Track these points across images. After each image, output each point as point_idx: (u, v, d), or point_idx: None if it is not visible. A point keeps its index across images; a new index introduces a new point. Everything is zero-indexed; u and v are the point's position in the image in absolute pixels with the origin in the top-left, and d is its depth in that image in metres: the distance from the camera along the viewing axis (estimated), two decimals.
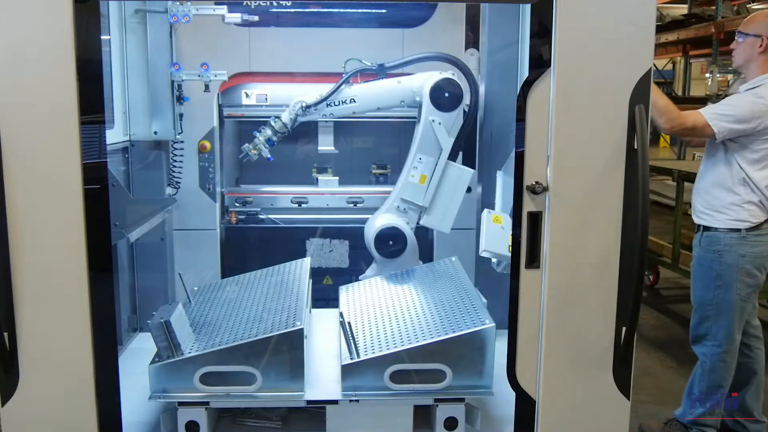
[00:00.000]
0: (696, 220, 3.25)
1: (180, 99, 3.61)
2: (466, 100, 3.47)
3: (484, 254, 3.07)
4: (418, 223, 3.56)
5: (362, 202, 4.16)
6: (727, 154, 3.11)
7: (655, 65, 2.78)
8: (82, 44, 2.21)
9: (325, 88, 3.46)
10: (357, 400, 2.73)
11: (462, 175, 3.50)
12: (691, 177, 5.15)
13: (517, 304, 2.47)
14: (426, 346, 2.70)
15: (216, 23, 3.58)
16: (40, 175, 2.25)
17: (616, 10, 2.30)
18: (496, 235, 3.08)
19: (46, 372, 2.36)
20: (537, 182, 2.37)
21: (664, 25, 9.53)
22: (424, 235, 3.91)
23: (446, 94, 3.39)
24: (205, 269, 3.90)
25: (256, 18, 3.49)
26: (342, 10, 3.85)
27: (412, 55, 3.50)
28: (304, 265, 3.59)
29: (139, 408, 2.79)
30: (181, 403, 2.71)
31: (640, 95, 2.32)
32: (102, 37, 2.36)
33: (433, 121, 3.40)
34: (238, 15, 3.44)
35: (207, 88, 3.61)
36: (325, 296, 3.97)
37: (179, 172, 3.82)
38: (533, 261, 2.42)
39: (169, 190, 3.80)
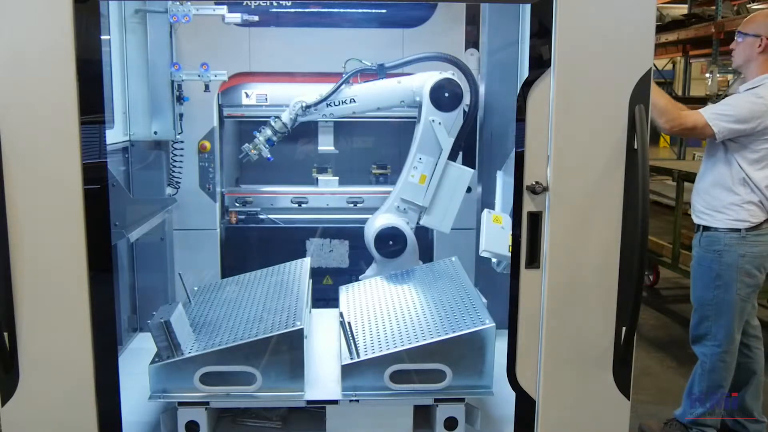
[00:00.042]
0: (696, 220, 3.25)
1: (180, 99, 3.61)
2: (466, 100, 3.47)
3: (484, 254, 3.07)
4: (418, 223, 3.56)
5: (362, 202, 4.16)
6: (727, 154, 3.11)
7: (655, 65, 2.78)
8: (82, 44, 2.21)
9: (325, 88, 3.46)
10: (357, 400, 2.73)
11: (462, 175, 3.50)
12: (691, 177, 5.15)
13: (517, 304, 2.47)
14: (426, 346, 2.70)
15: (216, 23, 3.58)
16: (40, 175, 2.25)
17: (616, 10, 2.30)
18: (496, 235, 3.08)
19: (46, 372, 2.36)
20: (537, 182, 2.37)
21: (664, 25, 9.53)
22: (424, 235, 3.91)
23: (446, 94, 3.39)
24: (205, 269, 3.90)
25: (256, 18, 3.49)
26: (342, 10, 3.85)
27: (412, 55, 3.50)
28: (304, 265, 3.59)
29: (139, 408, 2.79)
30: (181, 403, 2.71)
31: (640, 95, 2.32)
32: (102, 37, 2.36)
33: (433, 121, 3.40)
34: (238, 15, 3.44)
35: (207, 88, 3.61)
36: (325, 296, 3.97)
37: (179, 172, 3.82)
38: (533, 261, 2.42)
39: (169, 190, 3.80)
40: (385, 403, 2.76)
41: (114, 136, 3.42)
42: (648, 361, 4.57)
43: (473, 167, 3.73)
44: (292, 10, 3.86)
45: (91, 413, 2.40)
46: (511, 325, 2.49)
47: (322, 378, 2.89)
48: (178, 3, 3.40)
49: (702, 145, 3.40)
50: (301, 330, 2.71)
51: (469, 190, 3.65)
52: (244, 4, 3.60)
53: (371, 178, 4.35)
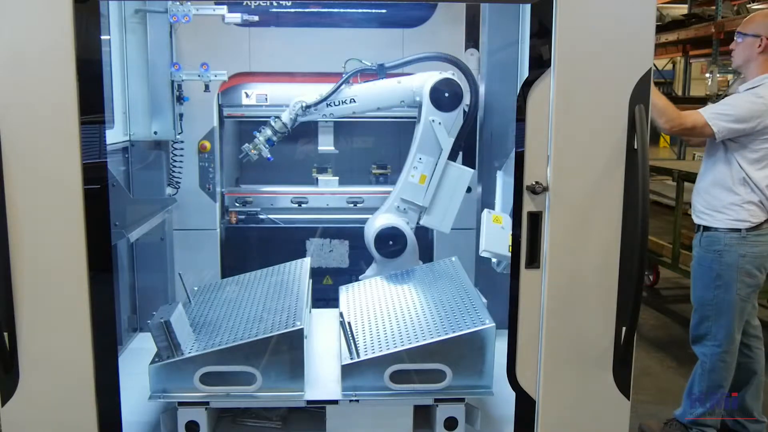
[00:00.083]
0: (696, 220, 3.25)
1: (180, 99, 3.61)
2: (466, 100, 3.47)
3: (484, 254, 3.08)
4: (418, 223, 3.56)
5: (362, 202, 4.16)
6: (727, 153, 3.11)
7: (655, 65, 2.78)
8: (82, 44, 2.21)
9: (325, 88, 3.46)
10: (357, 400, 2.73)
11: (462, 175, 3.50)
12: (691, 177, 5.15)
13: (517, 304, 2.47)
14: (426, 346, 2.70)
15: (216, 23, 3.58)
16: (40, 175, 2.25)
17: (616, 10, 2.30)
18: (496, 235, 3.08)
19: (46, 372, 2.36)
20: (537, 182, 2.37)
21: (664, 25, 9.53)
22: (424, 235, 3.91)
23: (446, 94, 3.39)
24: (205, 269, 3.90)
25: (256, 18, 3.49)
26: (342, 10, 3.85)
27: (412, 55, 3.50)
28: (304, 265, 3.59)
29: (139, 408, 2.79)
30: (181, 403, 2.71)
31: (640, 95, 2.32)
32: (102, 37, 2.36)
33: (433, 121, 3.40)
34: (238, 15, 3.44)
35: (207, 88, 3.61)
36: (325, 296, 3.97)
37: (179, 172, 3.82)
38: (533, 261, 2.42)
39: (169, 190, 3.80)
40: (385, 403, 2.76)
41: (114, 136, 3.42)
42: (648, 361, 4.57)
43: (473, 167, 3.73)
44: (292, 10, 3.86)
45: (91, 413, 2.40)
46: (511, 325, 2.49)
47: (322, 378, 2.89)
48: (178, 3, 3.40)
49: (702, 146, 3.39)
50: (301, 330, 2.71)
51: (469, 190, 3.65)
52: (244, 4, 3.60)
53: (371, 178, 4.35)
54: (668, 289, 6.31)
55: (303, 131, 4.04)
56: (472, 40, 3.85)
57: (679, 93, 11.73)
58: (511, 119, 2.78)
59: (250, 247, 4.13)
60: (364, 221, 3.74)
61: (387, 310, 3.09)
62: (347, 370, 2.71)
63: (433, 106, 3.39)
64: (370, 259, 3.70)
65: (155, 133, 3.60)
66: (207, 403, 2.71)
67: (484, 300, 3.06)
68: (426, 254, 3.95)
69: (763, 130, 3.01)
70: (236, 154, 4.03)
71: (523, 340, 2.48)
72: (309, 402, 2.75)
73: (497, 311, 2.83)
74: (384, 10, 3.87)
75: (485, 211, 3.25)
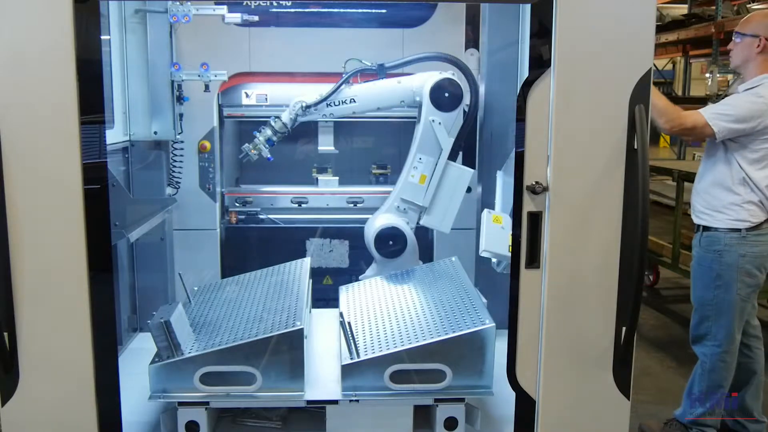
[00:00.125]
0: (696, 220, 3.25)
1: (180, 99, 3.61)
2: (466, 100, 3.47)
3: (484, 254, 3.07)
4: (418, 223, 3.56)
5: (362, 202, 4.16)
6: (727, 153, 3.11)
7: (655, 65, 2.78)
8: (82, 44, 2.21)
9: (325, 88, 3.46)
10: (357, 400, 2.73)
11: (462, 175, 3.50)
12: (691, 177, 5.14)
13: (517, 304, 2.47)
14: (426, 346, 2.70)
15: (216, 23, 3.58)
16: (40, 175, 2.25)
17: (616, 10, 2.30)
18: (496, 235, 3.08)
19: (46, 372, 2.36)
20: (537, 182, 2.37)
21: (664, 25, 9.53)
22: (424, 235, 3.91)
23: (446, 94, 3.39)
24: (205, 269, 3.90)
25: (256, 18, 3.49)
26: (342, 10, 3.85)
27: (412, 55, 3.50)
28: (304, 265, 3.59)
29: (139, 408, 2.79)
30: (181, 403, 2.71)
31: (640, 95, 2.32)
32: (102, 37, 2.36)
33: (433, 121, 3.40)
34: (238, 15, 3.44)
35: (207, 88, 3.61)
36: (325, 296, 3.97)
37: (179, 172, 3.82)
38: (533, 261, 2.42)
39: (169, 190, 3.80)
40: (385, 403, 2.76)
41: (114, 136, 3.42)
42: (648, 361, 4.57)
43: (473, 167, 3.73)
44: (292, 10, 3.86)
45: (91, 413, 2.40)
46: (511, 325, 2.49)
47: (322, 378, 2.89)
48: (178, 3, 3.40)
49: (702, 146, 3.38)
50: (301, 330, 2.71)
51: (469, 190, 3.65)
52: (244, 4, 3.60)
53: (371, 178, 4.35)
54: (668, 289, 6.31)
55: (303, 131, 4.04)
56: (471, 40, 3.85)
57: (679, 93, 11.73)
58: (511, 119, 2.77)
59: (250, 247, 4.13)
60: (364, 221, 3.74)
61: (387, 310, 3.09)
62: (347, 370, 2.71)
63: (433, 106, 3.39)
64: (370, 259, 3.70)
65: (155, 133, 3.60)
66: (207, 403, 2.71)
67: (484, 300, 3.06)
68: (426, 254, 3.95)
69: (763, 130, 3.01)
70: (236, 154, 4.03)
71: (523, 340, 2.48)
72: (309, 402, 2.75)
73: (497, 311, 2.83)
74: (384, 10, 3.87)
75: (485, 211, 3.25)
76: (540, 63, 2.33)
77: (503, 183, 3.48)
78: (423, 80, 3.43)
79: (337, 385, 2.77)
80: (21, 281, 2.29)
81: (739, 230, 3.09)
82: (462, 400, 2.76)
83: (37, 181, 2.25)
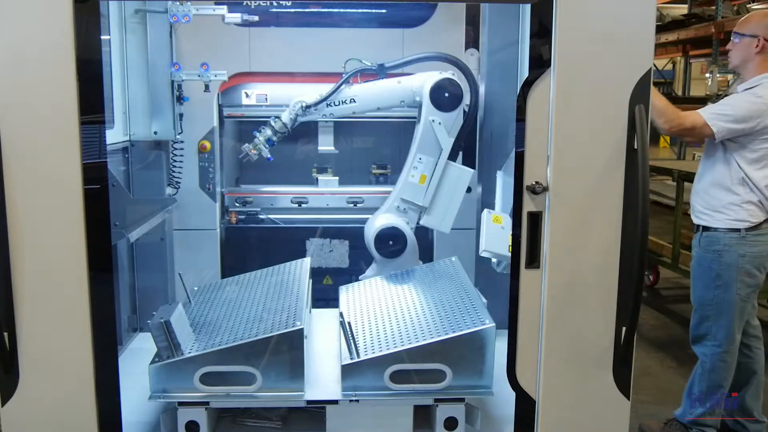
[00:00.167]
0: (695, 221, 3.25)
1: (180, 99, 3.61)
2: (466, 100, 3.47)
3: (484, 254, 3.07)
4: (418, 223, 3.56)
5: (362, 202, 4.16)
6: (726, 153, 3.11)
7: (655, 65, 2.78)
8: (82, 44, 2.21)
9: (325, 88, 3.46)
10: (357, 400, 2.73)
11: (462, 175, 3.50)
12: (691, 177, 5.13)
13: (517, 304, 2.47)
14: (426, 346, 2.70)
15: (216, 23, 3.58)
16: (40, 175, 2.25)
17: (616, 10, 2.30)
18: (496, 235, 3.08)
19: (46, 372, 2.36)
20: (537, 182, 2.37)
21: (664, 25, 9.53)
22: (424, 235, 3.91)
23: (446, 94, 3.39)
24: (205, 269, 3.90)
25: (256, 18, 3.49)
26: (342, 10, 3.85)
27: (412, 55, 3.50)
28: (304, 265, 3.59)
29: (139, 408, 2.79)
30: (181, 403, 2.71)
31: (640, 95, 2.32)
32: (102, 37, 2.36)
33: (433, 121, 3.40)
34: (238, 15, 3.44)
35: (207, 88, 3.61)
36: (325, 296, 3.97)
37: (179, 172, 3.82)
38: (533, 261, 2.42)
39: (169, 190, 3.80)
40: (385, 403, 2.76)
41: (114, 136, 3.42)
42: (648, 361, 4.57)
43: (473, 167, 3.73)
44: (292, 10, 3.86)
45: (91, 413, 2.40)
46: (511, 325, 2.49)
47: (322, 378, 2.89)
48: (178, 3, 3.40)
49: (702, 146, 3.38)
50: (301, 330, 2.71)
51: (469, 190, 3.65)
52: (244, 4, 3.60)
53: (371, 178, 4.35)
54: (668, 289, 6.32)
55: (303, 131, 4.04)
56: (471, 40, 3.85)
57: (679, 93, 11.73)
58: (511, 119, 2.77)
59: (250, 247, 4.13)
60: (364, 221, 3.74)
61: (387, 310, 3.09)
62: (347, 370, 2.71)
63: (433, 106, 3.39)
64: (370, 259, 3.70)
65: (155, 133, 3.60)
66: (207, 403, 2.71)
67: (484, 300, 3.06)
68: (426, 254, 3.95)
69: (762, 130, 3.01)
70: (236, 154, 4.03)
71: (523, 340, 2.48)
72: (309, 402, 2.75)
73: (497, 311, 2.83)
74: (384, 10, 3.87)
75: (485, 211, 3.25)
76: (540, 63, 2.33)
77: (503, 183, 3.48)
78: (423, 80, 3.43)
79: (337, 385, 2.77)
80: (21, 281, 2.29)
81: (738, 230, 3.09)
82: (462, 400, 2.76)
83: (37, 181, 2.25)
